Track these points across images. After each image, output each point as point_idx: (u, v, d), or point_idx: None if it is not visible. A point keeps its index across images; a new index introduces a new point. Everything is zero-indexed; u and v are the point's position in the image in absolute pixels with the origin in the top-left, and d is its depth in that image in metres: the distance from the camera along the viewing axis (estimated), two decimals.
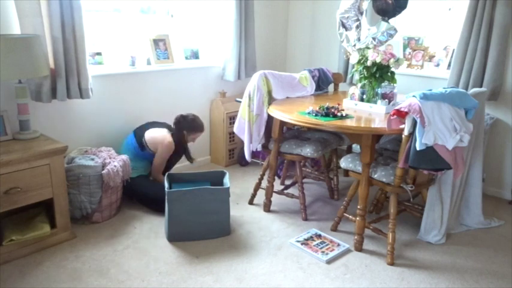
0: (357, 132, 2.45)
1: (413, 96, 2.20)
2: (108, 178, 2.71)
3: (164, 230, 2.74)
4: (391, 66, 2.71)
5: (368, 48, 2.83)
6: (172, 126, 3.18)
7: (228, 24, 3.71)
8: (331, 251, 2.56)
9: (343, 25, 3.02)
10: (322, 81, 3.40)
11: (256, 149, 3.01)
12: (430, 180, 2.61)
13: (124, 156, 2.92)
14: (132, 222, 2.85)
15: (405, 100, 2.23)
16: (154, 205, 2.95)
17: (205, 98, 3.89)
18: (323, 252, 2.55)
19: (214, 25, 3.83)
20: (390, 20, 2.86)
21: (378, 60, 2.67)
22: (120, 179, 2.82)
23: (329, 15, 4.07)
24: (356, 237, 2.60)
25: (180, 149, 3.14)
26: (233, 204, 3.00)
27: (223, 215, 2.68)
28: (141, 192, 3.01)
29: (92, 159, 2.77)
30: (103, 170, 2.72)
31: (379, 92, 2.81)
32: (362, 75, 2.81)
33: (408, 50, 3.76)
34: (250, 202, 3.19)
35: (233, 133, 3.56)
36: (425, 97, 2.18)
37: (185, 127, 3.10)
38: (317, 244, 2.64)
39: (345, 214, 2.76)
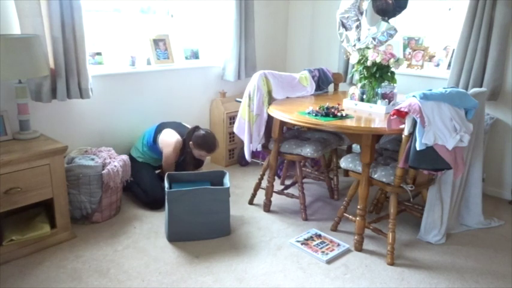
0: (356, 132, 2.45)
1: (413, 96, 2.19)
2: (108, 178, 2.71)
3: (164, 230, 2.74)
4: (391, 66, 2.71)
5: (368, 48, 2.83)
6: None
7: (228, 24, 3.71)
8: (331, 251, 2.56)
9: (343, 25, 3.02)
10: (322, 81, 3.40)
11: (256, 149, 3.01)
12: (430, 180, 2.61)
13: (124, 156, 2.92)
14: (132, 222, 2.85)
15: (405, 100, 2.23)
16: (144, 195, 3.04)
17: (205, 98, 3.89)
18: (323, 252, 2.55)
19: (214, 25, 3.83)
20: (390, 20, 2.86)
21: (378, 60, 2.67)
22: (120, 179, 2.82)
23: (329, 15, 4.07)
24: (356, 237, 2.60)
25: (184, 156, 3.14)
26: (233, 204, 3.00)
27: (223, 215, 2.68)
28: (138, 178, 3.09)
29: (92, 159, 2.77)
30: (103, 170, 2.72)
31: (379, 92, 2.81)
32: (362, 75, 2.81)
33: (408, 50, 3.76)
34: (250, 202, 3.19)
35: (233, 133, 3.56)
36: (425, 97, 2.17)
37: (193, 139, 3.07)
38: (317, 244, 2.63)
39: (345, 214, 2.76)
